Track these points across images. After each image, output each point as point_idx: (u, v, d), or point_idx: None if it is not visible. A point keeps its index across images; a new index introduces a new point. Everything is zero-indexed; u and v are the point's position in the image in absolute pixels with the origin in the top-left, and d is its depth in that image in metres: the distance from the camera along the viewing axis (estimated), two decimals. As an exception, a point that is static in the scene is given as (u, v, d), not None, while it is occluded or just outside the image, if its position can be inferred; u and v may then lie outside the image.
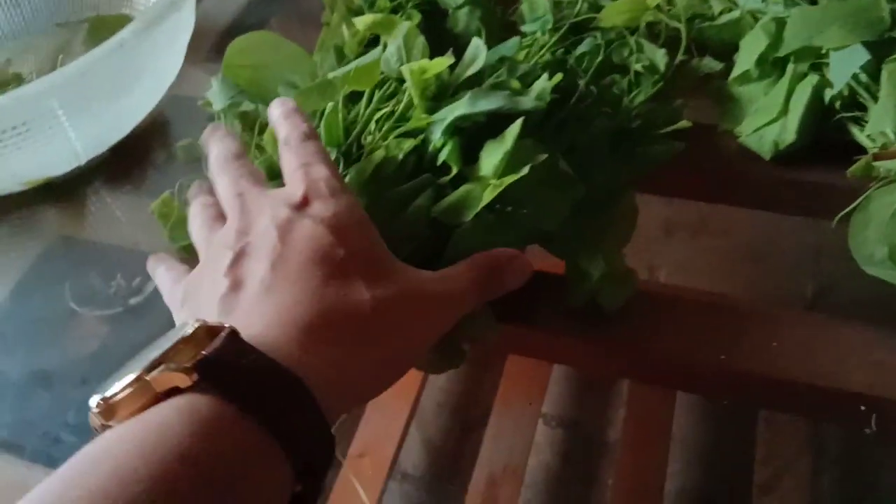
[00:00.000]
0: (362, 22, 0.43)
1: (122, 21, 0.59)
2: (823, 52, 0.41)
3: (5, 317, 0.43)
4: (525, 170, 0.35)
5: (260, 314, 0.28)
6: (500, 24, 0.51)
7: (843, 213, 0.37)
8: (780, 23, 0.43)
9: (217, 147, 0.37)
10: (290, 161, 0.34)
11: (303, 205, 0.32)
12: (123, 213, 0.47)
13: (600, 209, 0.40)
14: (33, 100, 0.37)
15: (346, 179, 0.38)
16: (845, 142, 0.41)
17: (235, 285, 0.30)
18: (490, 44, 0.49)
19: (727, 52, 0.47)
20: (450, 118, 0.37)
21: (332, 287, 0.29)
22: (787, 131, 0.41)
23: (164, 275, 0.36)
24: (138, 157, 0.49)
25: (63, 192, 0.48)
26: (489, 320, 0.36)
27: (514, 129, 0.36)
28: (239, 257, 0.31)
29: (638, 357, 0.39)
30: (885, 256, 0.36)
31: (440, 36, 0.50)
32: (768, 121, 0.42)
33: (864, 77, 0.39)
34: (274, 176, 0.40)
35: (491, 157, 0.36)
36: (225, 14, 0.64)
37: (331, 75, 0.40)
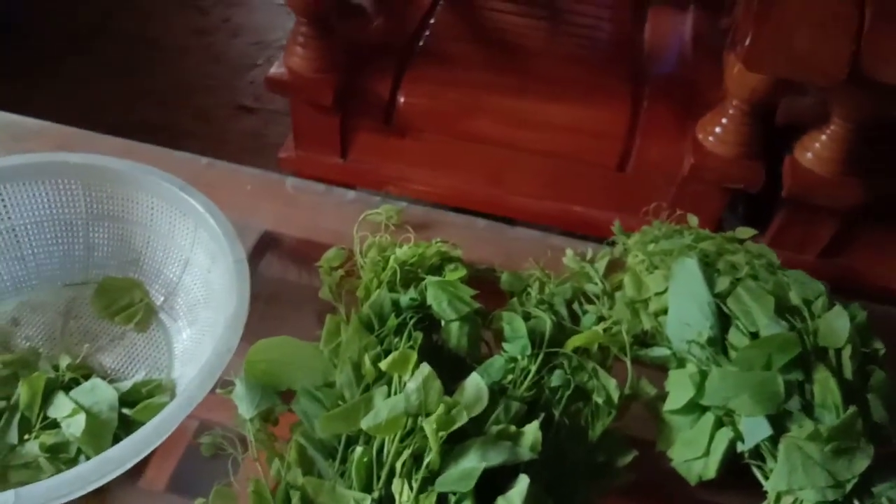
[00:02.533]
0: (385, 364, 0.52)
1: (129, 284, 0.64)
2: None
3: None
4: (531, 531, 0.45)
5: None
6: (481, 333, 0.61)
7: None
8: (703, 374, 0.56)
9: None
10: None
11: None
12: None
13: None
14: (114, 463, 0.42)
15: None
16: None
17: None
18: (473, 350, 0.60)
19: (660, 369, 0.60)
20: (470, 482, 0.46)
21: None
22: (709, 469, 0.54)
23: None
24: (160, 449, 0.54)
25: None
26: None
27: (522, 488, 0.46)
28: None
29: None
30: None
31: (434, 344, 0.59)
32: (694, 457, 0.55)
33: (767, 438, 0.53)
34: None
35: (504, 519, 0.46)
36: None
37: (363, 424, 0.48)
